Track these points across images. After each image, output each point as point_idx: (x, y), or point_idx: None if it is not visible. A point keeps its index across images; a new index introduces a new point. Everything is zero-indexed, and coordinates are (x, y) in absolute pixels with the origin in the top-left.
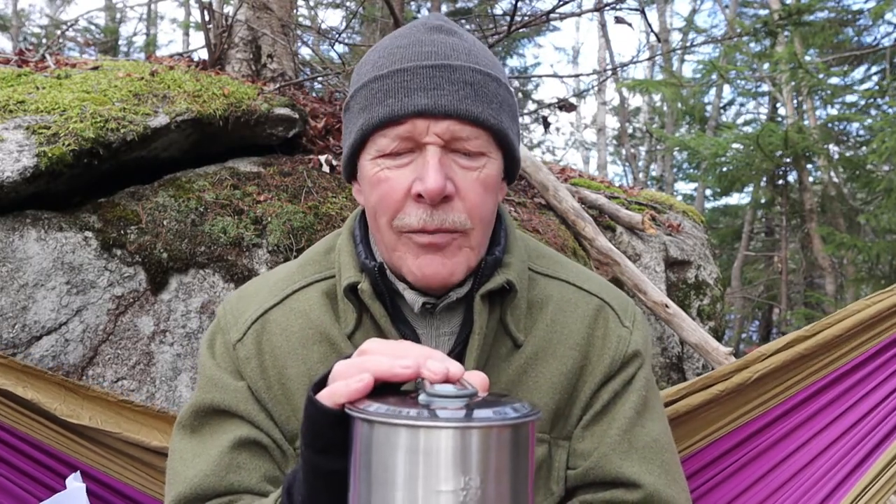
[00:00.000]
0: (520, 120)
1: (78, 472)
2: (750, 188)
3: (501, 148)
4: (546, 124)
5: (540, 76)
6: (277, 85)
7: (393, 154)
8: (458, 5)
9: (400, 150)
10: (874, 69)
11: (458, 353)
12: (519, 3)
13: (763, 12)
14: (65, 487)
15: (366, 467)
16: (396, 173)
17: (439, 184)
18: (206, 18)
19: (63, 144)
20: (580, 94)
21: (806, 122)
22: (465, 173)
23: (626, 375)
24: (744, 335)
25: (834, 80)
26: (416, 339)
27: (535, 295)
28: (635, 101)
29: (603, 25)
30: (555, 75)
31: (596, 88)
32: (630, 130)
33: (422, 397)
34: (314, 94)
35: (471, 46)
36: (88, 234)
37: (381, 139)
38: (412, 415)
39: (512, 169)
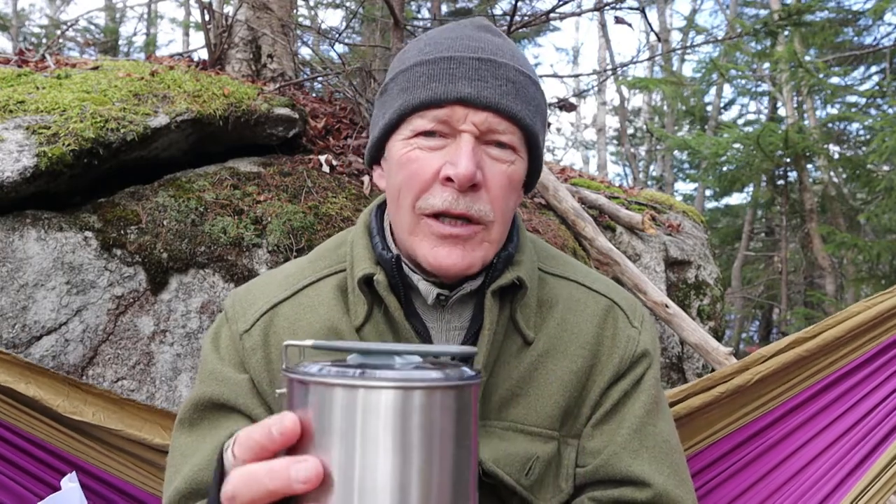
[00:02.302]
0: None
1: (74, 472)
2: (750, 188)
3: (529, 151)
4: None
5: (540, 76)
6: (277, 85)
7: (426, 133)
8: (459, 5)
9: (435, 131)
10: (874, 69)
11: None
12: (519, 3)
13: (763, 12)
14: None
15: (344, 435)
16: (428, 155)
17: (471, 170)
18: (206, 18)
19: (63, 144)
20: (580, 94)
21: (806, 122)
22: (495, 165)
23: (636, 375)
24: (744, 335)
25: (834, 80)
26: (427, 333)
27: (545, 294)
28: (635, 101)
29: (603, 25)
30: (555, 75)
31: (596, 88)
32: (630, 130)
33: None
34: (314, 94)
35: (514, 50)
36: (88, 234)
37: (418, 120)
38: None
39: (532, 178)
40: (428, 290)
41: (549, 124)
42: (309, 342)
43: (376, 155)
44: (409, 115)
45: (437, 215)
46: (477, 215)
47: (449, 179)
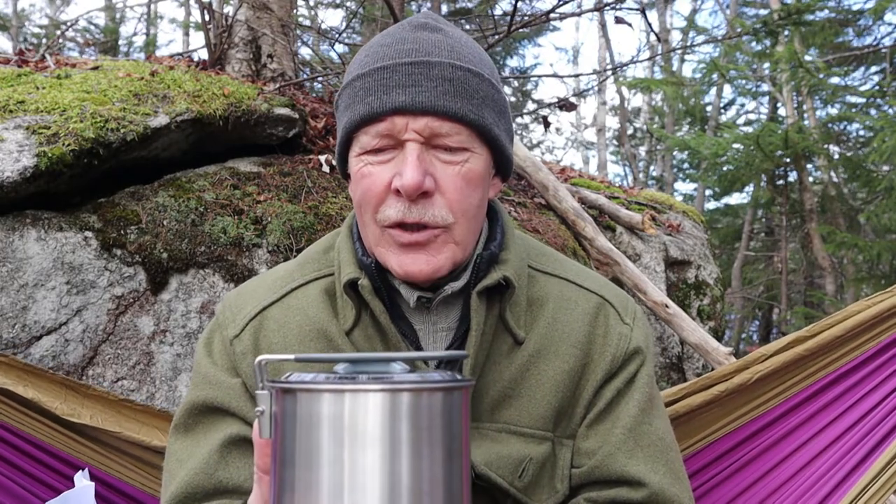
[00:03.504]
0: (511, 115)
1: (86, 469)
2: (750, 188)
3: (486, 143)
4: (546, 124)
5: (540, 76)
6: (277, 85)
7: (375, 150)
8: (459, 5)
9: (382, 147)
10: (874, 69)
11: (456, 349)
12: (519, 3)
13: (763, 12)
14: (65, 486)
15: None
16: (378, 169)
17: (416, 179)
18: (206, 18)
19: (63, 144)
20: (580, 94)
21: (806, 122)
22: (446, 168)
23: (629, 373)
24: (744, 335)
25: (834, 81)
26: (414, 335)
27: (535, 292)
28: (635, 100)
29: (603, 25)
30: (555, 75)
31: (596, 88)
32: (630, 130)
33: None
34: (314, 94)
35: (454, 43)
36: (88, 234)
37: (363, 136)
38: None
39: (503, 165)
40: (409, 293)
41: (544, 117)
42: (291, 356)
43: (344, 168)
44: (355, 132)
45: (397, 225)
46: (432, 221)
47: (399, 191)
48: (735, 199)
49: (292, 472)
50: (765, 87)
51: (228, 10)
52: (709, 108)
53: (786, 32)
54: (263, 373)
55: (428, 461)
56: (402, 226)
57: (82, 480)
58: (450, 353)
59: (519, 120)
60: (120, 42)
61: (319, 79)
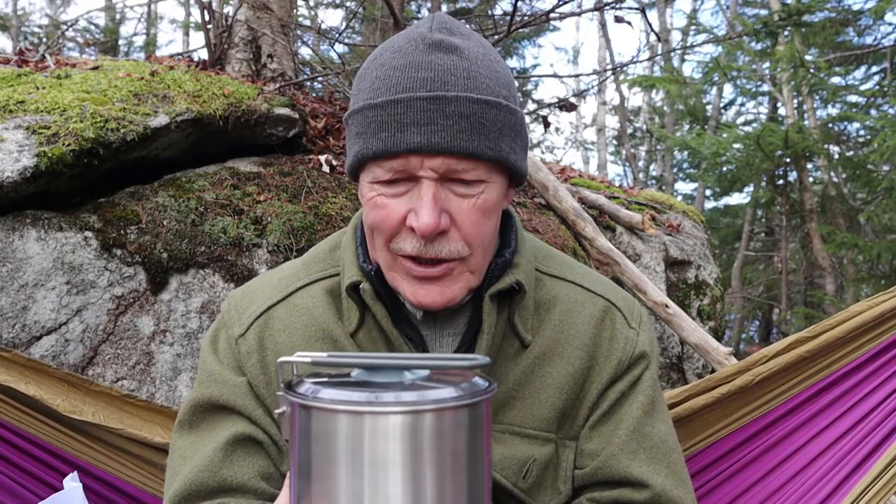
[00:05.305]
0: (527, 125)
1: (75, 472)
2: (750, 188)
3: (503, 172)
4: (546, 124)
5: (540, 76)
6: (277, 85)
7: (388, 182)
8: (459, 5)
9: (395, 179)
10: (875, 69)
11: (463, 353)
12: (519, 3)
13: (764, 12)
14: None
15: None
16: (393, 202)
17: (433, 222)
18: (206, 18)
19: (63, 144)
20: (580, 94)
21: (806, 122)
22: (462, 202)
23: (633, 376)
24: (744, 335)
25: (834, 80)
26: (420, 340)
27: (543, 295)
28: (635, 100)
29: (603, 25)
30: (555, 75)
31: (596, 88)
32: (630, 130)
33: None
34: (314, 94)
35: (470, 66)
36: (88, 234)
37: (376, 168)
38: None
39: (518, 179)
40: (414, 308)
41: (544, 117)
42: (308, 358)
43: (354, 172)
44: (367, 163)
45: (411, 258)
46: (449, 256)
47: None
48: (735, 199)
49: (308, 483)
50: (765, 87)
51: (228, 10)
52: (709, 108)
53: (786, 32)
54: (283, 374)
55: (451, 477)
56: (416, 259)
57: (70, 483)
58: (471, 361)
59: (525, 134)
60: (120, 42)
61: (319, 79)
